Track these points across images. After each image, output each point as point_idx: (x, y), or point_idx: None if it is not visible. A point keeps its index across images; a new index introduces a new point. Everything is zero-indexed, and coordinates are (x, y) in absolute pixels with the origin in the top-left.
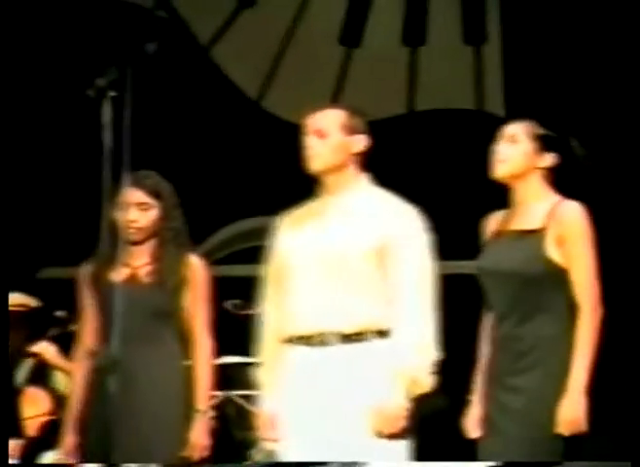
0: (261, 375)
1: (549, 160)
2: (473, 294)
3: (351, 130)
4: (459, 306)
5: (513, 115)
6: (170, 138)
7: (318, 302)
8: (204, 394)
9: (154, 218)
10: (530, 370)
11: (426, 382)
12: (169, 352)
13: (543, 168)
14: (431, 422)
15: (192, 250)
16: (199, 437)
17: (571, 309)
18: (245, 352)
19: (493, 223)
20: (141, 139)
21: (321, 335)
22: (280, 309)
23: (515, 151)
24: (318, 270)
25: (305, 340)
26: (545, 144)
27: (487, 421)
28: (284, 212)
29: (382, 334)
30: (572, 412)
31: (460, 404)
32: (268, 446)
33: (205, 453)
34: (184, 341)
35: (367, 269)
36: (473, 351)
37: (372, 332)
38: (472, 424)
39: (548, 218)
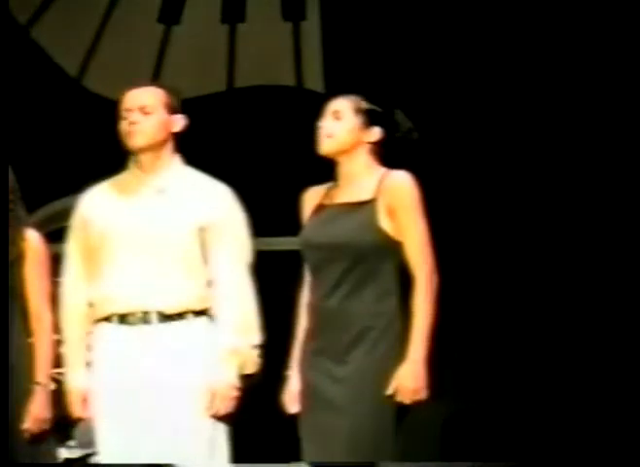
0: (67, 351)
1: (374, 134)
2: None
3: (172, 109)
4: (275, 283)
5: (332, 91)
6: None
7: (138, 280)
8: (44, 367)
9: None
10: (359, 342)
11: (254, 361)
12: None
13: (369, 143)
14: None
15: (28, 224)
16: (39, 410)
17: (401, 281)
18: None
19: (314, 197)
20: None
21: (141, 313)
22: (88, 286)
23: (339, 126)
24: (138, 249)
25: (124, 318)
26: (369, 118)
27: (313, 395)
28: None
29: (202, 313)
30: (412, 380)
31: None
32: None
33: (45, 427)
34: (25, 315)
35: (187, 248)
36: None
37: (191, 311)
38: (291, 399)
39: (377, 189)
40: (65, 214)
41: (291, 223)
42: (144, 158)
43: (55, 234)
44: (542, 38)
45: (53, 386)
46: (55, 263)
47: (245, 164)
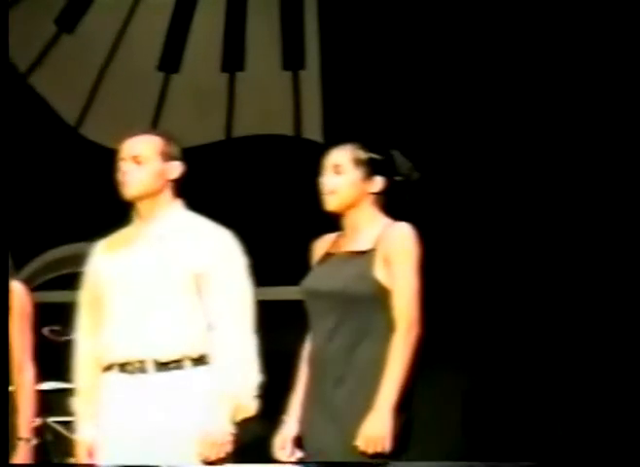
0: (77, 402)
1: (376, 185)
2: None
3: (168, 157)
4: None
5: (331, 141)
6: None
7: (133, 329)
8: (26, 422)
9: None
10: (352, 392)
11: (250, 407)
12: None
13: (372, 194)
14: (252, 448)
15: (13, 276)
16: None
17: (392, 331)
18: (63, 378)
19: (322, 245)
20: None
21: (138, 362)
22: (96, 337)
23: (341, 181)
24: (133, 298)
25: (123, 367)
26: (370, 169)
27: (307, 442)
28: (101, 238)
29: (200, 360)
30: (377, 429)
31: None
32: None
33: None
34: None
35: (181, 295)
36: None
37: (189, 358)
38: (282, 444)
39: (377, 239)
40: (62, 262)
41: (288, 272)
42: (141, 206)
43: (53, 283)
44: (546, 79)
45: (35, 441)
46: (54, 311)
47: (242, 213)
